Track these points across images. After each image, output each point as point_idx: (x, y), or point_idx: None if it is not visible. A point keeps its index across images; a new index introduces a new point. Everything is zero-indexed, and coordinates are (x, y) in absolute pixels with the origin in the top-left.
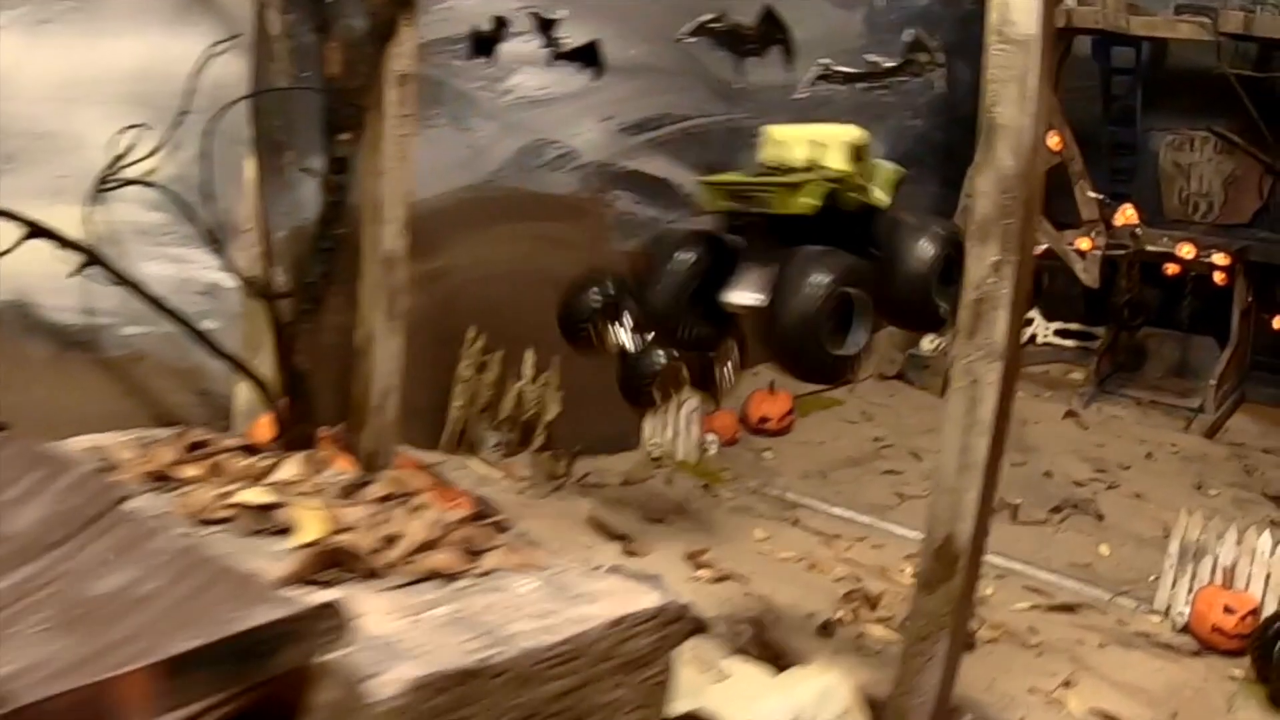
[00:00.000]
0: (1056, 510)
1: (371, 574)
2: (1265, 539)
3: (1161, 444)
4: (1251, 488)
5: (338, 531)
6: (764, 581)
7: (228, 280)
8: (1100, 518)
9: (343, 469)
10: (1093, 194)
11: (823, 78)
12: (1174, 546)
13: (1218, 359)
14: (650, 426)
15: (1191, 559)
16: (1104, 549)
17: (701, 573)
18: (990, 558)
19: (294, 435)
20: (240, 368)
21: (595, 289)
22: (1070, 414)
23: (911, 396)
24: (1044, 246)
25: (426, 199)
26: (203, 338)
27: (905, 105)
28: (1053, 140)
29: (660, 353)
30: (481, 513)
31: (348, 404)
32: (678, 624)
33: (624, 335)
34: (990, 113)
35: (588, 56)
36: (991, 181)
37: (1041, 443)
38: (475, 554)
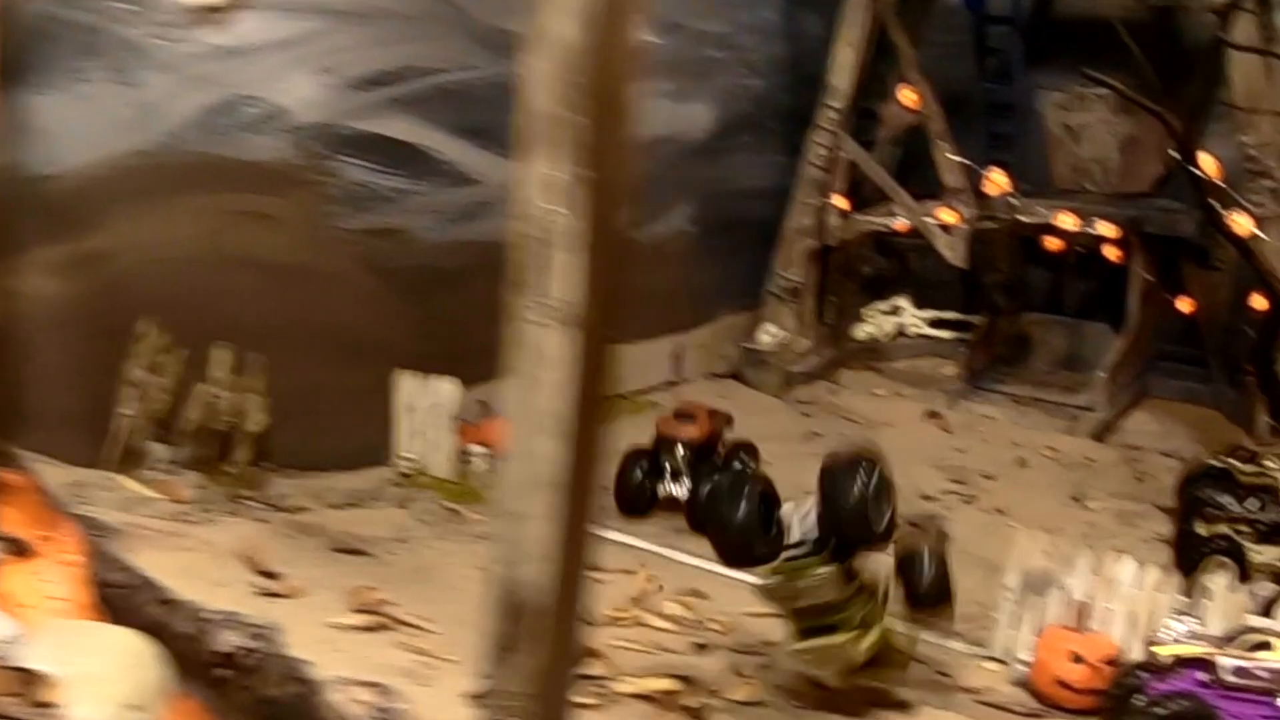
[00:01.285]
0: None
1: None
2: (1127, 566)
3: (1038, 448)
4: (1142, 498)
5: None
6: (453, 628)
7: None
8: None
9: None
10: (956, 158)
11: None
12: (1013, 577)
13: (1111, 349)
14: (405, 438)
15: (1036, 593)
16: None
17: (356, 618)
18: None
19: None
20: None
21: (639, 461)
22: (931, 415)
23: (745, 396)
24: (902, 222)
25: (78, 166)
26: None
27: (739, 62)
28: (907, 96)
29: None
30: None
31: None
32: None
33: (673, 488)
34: None
35: None
36: (545, 61)
37: (892, 449)
38: None
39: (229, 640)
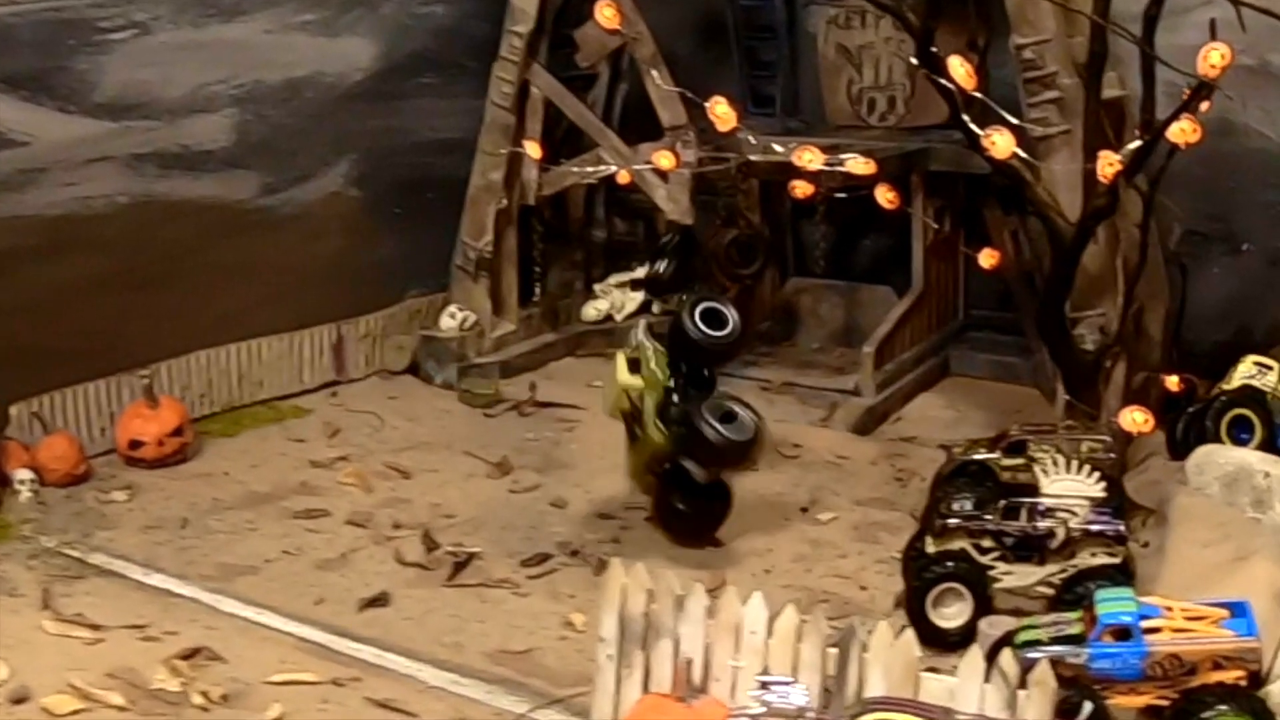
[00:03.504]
0: (537, 560)
1: None
2: (756, 607)
3: (780, 445)
4: (899, 505)
5: None
6: None
7: None
8: (603, 567)
9: None
10: (670, 88)
11: None
12: (609, 624)
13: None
14: None
15: (641, 645)
16: (578, 618)
17: None
18: (333, 643)
19: None
20: None
21: None
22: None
23: (418, 397)
24: (613, 171)
25: None
26: None
27: None
28: (604, 15)
29: None
30: None
31: None
32: None
33: None
34: None
35: None
36: None
37: (582, 458)
38: None
39: None
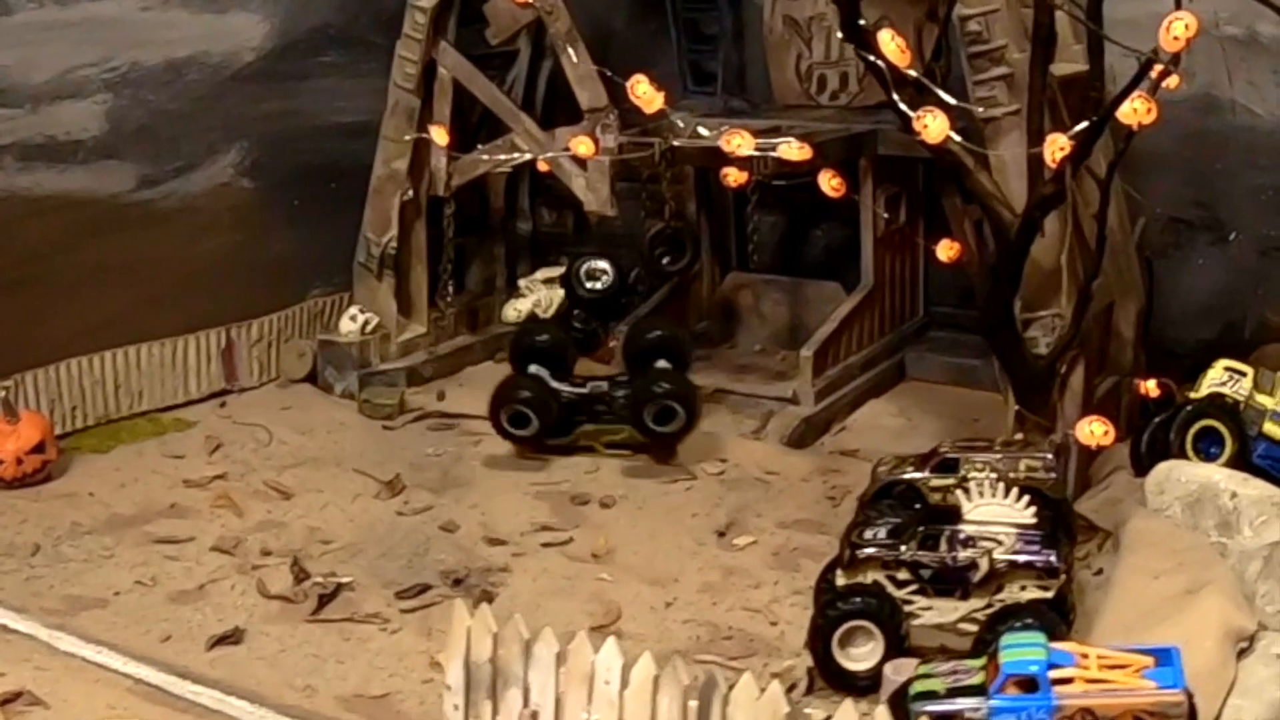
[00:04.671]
0: (415, 591)
1: None
2: (609, 654)
3: (705, 460)
4: (829, 527)
5: None
6: None
7: None
8: (487, 600)
9: None
10: (589, 66)
11: None
12: (455, 671)
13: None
14: None
15: (489, 694)
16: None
17: None
18: (172, 685)
19: None
20: None
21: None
22: None
23: (315, 408)
24: (527, 158)
25: None
26: None
27: None
28: None
29: None
30: None
31: None
32: None
33: None
34: None
35: None
36: None
37: (483, 476)
38: None
39: None
